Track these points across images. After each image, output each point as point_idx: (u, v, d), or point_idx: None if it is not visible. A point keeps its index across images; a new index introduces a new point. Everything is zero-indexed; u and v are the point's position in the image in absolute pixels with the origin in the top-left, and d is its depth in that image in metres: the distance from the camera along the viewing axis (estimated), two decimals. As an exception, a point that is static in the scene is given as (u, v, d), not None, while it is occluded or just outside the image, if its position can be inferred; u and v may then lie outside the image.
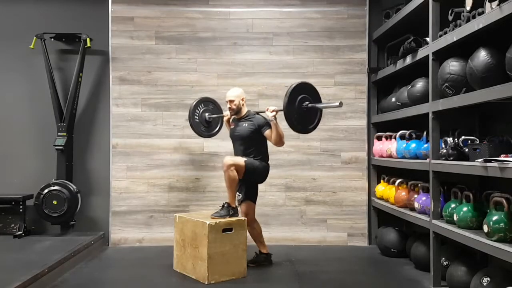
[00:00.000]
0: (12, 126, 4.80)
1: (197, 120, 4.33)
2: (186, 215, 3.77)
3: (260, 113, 3.94)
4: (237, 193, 3.82)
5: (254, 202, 3.90)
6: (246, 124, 3.86)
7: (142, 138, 4.80)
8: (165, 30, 4.83)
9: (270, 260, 3.97)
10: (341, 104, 3.41)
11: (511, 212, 2.61)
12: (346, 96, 4.81)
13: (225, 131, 4.32)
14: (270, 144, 3.90)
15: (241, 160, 3.73)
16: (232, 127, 3.99)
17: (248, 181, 3.83)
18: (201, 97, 4.41)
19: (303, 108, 3.55)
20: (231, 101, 3.90)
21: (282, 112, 3.53)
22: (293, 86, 3.53)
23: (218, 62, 4.83)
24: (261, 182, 3.96)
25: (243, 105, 3.93)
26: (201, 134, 4.39)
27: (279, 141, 3.74)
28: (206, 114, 4.35)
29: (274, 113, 3.66)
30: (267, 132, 3.78)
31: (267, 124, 3.79)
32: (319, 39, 4.84)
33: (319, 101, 3.67)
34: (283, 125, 3.68)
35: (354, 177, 4.82)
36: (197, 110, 4.33)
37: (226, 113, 4.09)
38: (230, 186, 3.70)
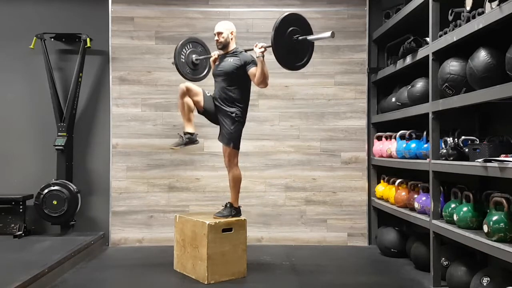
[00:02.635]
0: (12, 126, 4.80)
1: (183, 61, 3.93)
2: (186, 215, 3.78)
3: (248, 51, 3.70)
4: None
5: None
6: (232, 60, 3.61)
7: (142, 138, 4.80)
8: (165, 30, 4.83)
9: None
10: (333, 35, 3.19)
11: (511, 212, 2.61)
12: (346, 96, 4.81)
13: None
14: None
15: (230, 150, 3.57)
16: (217, 63, 3.73)
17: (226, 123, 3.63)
18: (189, 37, 4.11)
19: (293, 41, 3.30)
20: (219, 33, 3.65)
21: (271, 50, 3.30)
22: (283, 16, 3.27)
23: (218, 62, 4.82)
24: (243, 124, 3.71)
25: (231, 39, 3.68)
26: (185, 76, 3.99)
27: (263, 81, 3.49)
28: (193, 55, 3.98)
29: (262, 49, 3.42)
30: (252, 70, 3.53)
31: (253, 61, 3.55)
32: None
33: (310, 33, 3.43)
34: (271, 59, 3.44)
35: (354, 177, 4.82)
36: (183, 50, 3.98)
37: (214, 53, 3.82)
38: (234, 186, 3.67)
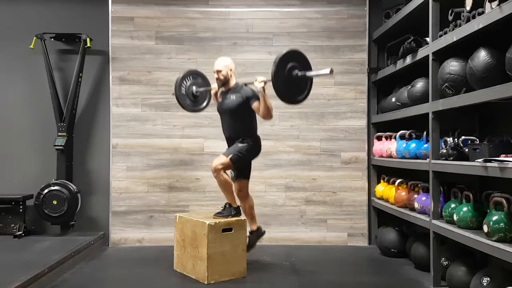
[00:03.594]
0: (12, 126, 4.80)
1: (184, 93, 4.05)
2: (186, 215, 3.77)
3: (249, 85, 3.76)
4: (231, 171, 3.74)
5: (247, 178, 3.79)
6: (234, 97, 3.67)
7: (142, 138, 4.80)
8: (165, 30, 4.83)
9: (262, 233, 3.89)
10: (331, 72, 3.24)
11: (511, 212, 2.61)
12: (346, 96, 4.81)
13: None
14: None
15: (226, 160, 3.61)
16: (220, 100, 3.80)
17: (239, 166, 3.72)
18: (189, 70, 4.16)
19: (293, 76, 3.35)
20: (218, 71, 3.70)
21: (271, 84, 3.35)
22: (282, 53, 3.31)
23: (218, 62, 4.82)
24: (255, 158, 3.80)
25: (231, 76, 3.74)
26: (186, 108, 4.08)
27: (267, 114, 3.57)
28: (194, 87, 4.05)
29: (262, 84, 3.48)
30: (255, 104, 3.59)
31: (255, 96, 3.60)
32: (319, 39, 4.84)
33: (310, 69, 3.47)
34: (274, 101, 3.55)
35: (354, 177, 4.82)
36: (184, 82, 4.04)
37: (214, 86, 3.89)
38: (225, 190, 3.69)
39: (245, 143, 3.68)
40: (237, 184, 3.75)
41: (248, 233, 3.83)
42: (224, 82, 3.74)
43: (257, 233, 3.90)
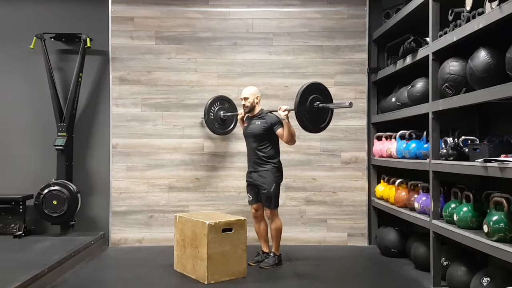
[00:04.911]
0: (12, 126, 4.80)
1: (212, 117, 4.47)
2: (186, 215, 3.77)
3: (273, 112, 3.96)
4: (248, 195, 3.96)
5: (277, 207, 3.96)
6: (259, 122, 3.89)
7: (142, 138, 4.80)
8: (165, 30, 4.82)
9: (280, 263, 3.97)
10: (351, 105, 3.49)
11: (511, 212, 2.61)
12: (346, 96, 4.80)
13: (238, 130, 4.34)
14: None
15: (273, 212, 3.90)
16: (246, 125, 4.03)
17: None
18: (217, 95, 4.55)
19: (314, 108, 3.62)
20: (245, 99, 3.94)
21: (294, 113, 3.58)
22: (305, 86, 3.60)
23: (218, 62, 4.83)
24: (282, 181, 4.00)
25: (257, 103, 3.96)
26: (215, 131, 4.53)
27: (291, 140, 3.81)
28: (221, 112, 4.50)
29: (286, 112, 3.72)
30: (279, 131, 3.83)
31: (279, 122, 3.83)
32: (319, 39, 4.84)
33: (330, 100, 3.72)
34: (295, 124, 3.70)
35: (354, 177, 4.82)
36: (212, 108, 4.46)
37: (240, 112, 4.14)
38: (276, 236, 3.91)
39: (271, 164, 3.88)
40: (273, 212, 3.93)
41: (260, 252, 4.00)
42: (250, 109, 3.95)
43: (278, 258, 3.94)
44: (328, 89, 3.78)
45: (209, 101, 4.46)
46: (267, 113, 3.96)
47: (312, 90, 3.63)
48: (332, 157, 4.82)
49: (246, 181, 4.00)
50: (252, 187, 3.93)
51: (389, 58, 4.48)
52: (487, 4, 2.66)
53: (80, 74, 4.68)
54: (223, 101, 4.57)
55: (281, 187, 4.75)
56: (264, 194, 3.85)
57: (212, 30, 4.85)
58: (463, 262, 3.12)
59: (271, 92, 4.78)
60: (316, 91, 3.65)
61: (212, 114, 4.48)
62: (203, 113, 4.51)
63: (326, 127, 3.80)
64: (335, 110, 4.74)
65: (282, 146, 4.78)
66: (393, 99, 4.26)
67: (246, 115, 4.04)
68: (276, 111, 3.85)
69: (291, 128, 3.76)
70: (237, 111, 4.42)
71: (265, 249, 4.00)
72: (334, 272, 3.80)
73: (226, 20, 4.86)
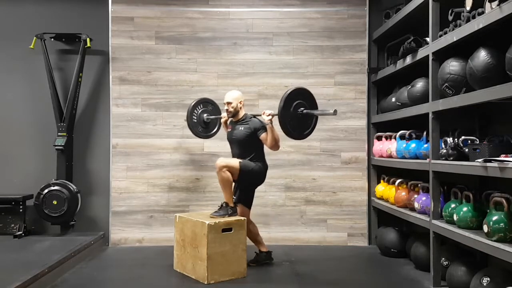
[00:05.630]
0: (12, 126, 4.80)
1: (195, 121, 4.36)
2: (186, 215, 3.77)
3: (257, 116, 3.93)
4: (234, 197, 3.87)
5: (247, 206, 3.88)
6: (242, 128, 3.86)
7: (142, 138, 4.80)
8: (165, 30, 4.82)
9: (271, 258, 3.98)
10: (335, 112, 3.43)
11: (511, 212, 2.61)
12: (346, 96, 4.81)
13: (222, 132, 4.33)
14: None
15: (235, 162, 3.74)
16: (229, 130, 4.01)
17: (243, 184, 3.84)
18: (200, 98, 4.43)
19: (298, 114, 3.57)
20: (228, 103, 3.90)
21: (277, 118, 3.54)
22: (289, 91, 3.56)
23: (218, 62, 4.83)
24: (259, 184, 3.95)
25: (240, 108, 3.93)
26: (198, 135, 4.41)
27: (275, 145, 3.76)
28: (205, 115, 4.39)
29: (270, 117, 3.66)
30: (262, 136, 3.79)
31: (263, 127, 3.80)
32: (319, 39, 4.84)
33: (315, 107, 3.68)
34: (279, 129, 3.66)
35: (354, 177, 4.82)
36: (195, 111, 4.35)
37: (224, 115, 4.11)
38: (224, 187, 3.73)
39: (255, 162, 3.82)
40: (239, 209, 3.83)
41: (257, 252, 3.96)
42: (233, 114, 3.93)
43: (267, 255, 3.95)
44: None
45: (192, 104, 4.35)
46: (251, 118, 3.92)
47: (296, 96, 3.58)
48: (332, 157, 4.82)
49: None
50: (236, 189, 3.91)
51: (389, 58, 4.48)
52: (487, 4, 2.66)
53: (80, 74, 4.68)
54: (207, 104, 4.44)
55: (280, 187, 4.81)
56: (237, 187, 3.85)
57: (212, 30, 4.85)
58: (463, 262, 3.12)
59: (271, 92, 4.78)
60: (301, 97, 3.60)
61: (195, 117, 4.36)
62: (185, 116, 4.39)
63: (309, 134, 3.75)
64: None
65: (283, 146, 4.80)
66: (393, 99, 4.26)
67: (230, 119, 4.02)
68: (260, 115, 3.80)
69: (275, 133, 3.71)
70: (220, 114, 4.34)
71: (262, 249, 3.97)
72: (334, 272, 3.80)
73: (226, 20, 4.86)
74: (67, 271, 3.67)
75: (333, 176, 4.81)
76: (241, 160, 3.76)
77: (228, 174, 3.67)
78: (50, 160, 4.62)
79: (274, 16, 4.86)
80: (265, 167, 3.91)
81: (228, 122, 4.07)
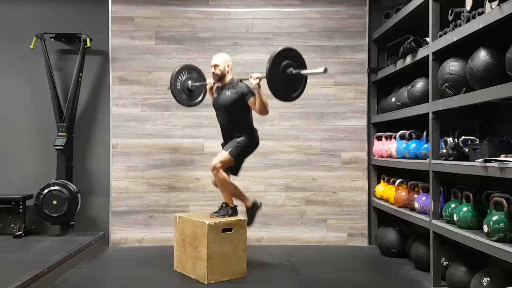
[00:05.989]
0: (12, 126, 4.80)
1: (179, 88, 4.02)
2: (186, 215, 3.77)
3: (244, 81, 3.76)
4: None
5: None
6: (229, 92, 3.67)
7: (142, 138, 4.80)
8: (165, 30, 4.83)
9: (258, 206, 3.86)
10: (325, 71, 3.28)
11: (511, 212, 2.61)
12: (346, 96, 4.81)
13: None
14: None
15: (226, 156, 3.60)
16: (215, 96, 3.83)
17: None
18: (184, 64, 4.18)
19: (287, 74, 3.39)
20: (215, 66, 3.71)
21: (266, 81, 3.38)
22: (277, 51, 3.36)
23: (218, 62, 4.82)
24: (253, 151, 3.80)
25: (228, 71, 3.74)
26: (182, 102, 4.10)
27: (263, 110, 3.59)
28: (189, 82, 4.07)
29: (257, 80, 3.48)
30: (251, 100, 3.61)
31: (250, 92, 3.62)
32: (319, 39, 4.84)
33: (304, 67, 3.51)
34: (267, 93, 3.52)
35: (354, 177, 4.82)
36: (179, 77, 4.05)
37: (209, 81, 3.92)
38: (222, 188, 3.68)
39: (243, 137, 3.68)
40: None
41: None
42: (220, 77, 3.74)
43: (254, 209, 3.83)
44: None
45: (176, 70, 4.01)
46: (237, 82, 3.72)
47: (285, 56, 3.38)
48: (332, 157, 4.82)
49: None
50: None
51: (389, 58, 4.48)
52: (487, 4, 2.66)
53: (80, 74, 4.68)
54: (191, 70, 4.11)
55: (281, 187, 4.81)
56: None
57: (212, 30, 4.85)
58: (463, 262, 3.12)
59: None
60: (290, 57, 3.40)
61: (179, 84, 4.01)
62: (169, 83, 4.05)
63: (298, 96, 3.57)
64: (334, 110, 4.76)
65: (283, 146, 4.82)
66: (393, 99, 4.26)
67: (216, 85, 3.83)
68: (247, 79, 3.60)
69: (263, 97, 3.53)
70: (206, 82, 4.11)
71: (248, 203, 3.85)
72: (334, 272, 3.80)
73: (226, 20, 4.86)
74: (67, 271, 3.67)
75: (333, 176, 4.81)
76: (230, 149, 3.62)
77: (225, 175, 3.62)
78: (50, 160, 4.62)
79: (274, 16, 4.86)
80: (254, 136, 3.75)
81: (214, 88, 3.88)
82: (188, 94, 4.09)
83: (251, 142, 3.74)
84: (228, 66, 3.75)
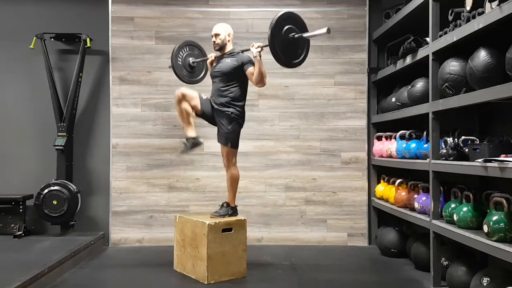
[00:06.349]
0: (12, 126, 4.80)
1: (180, 63, 4.01)
2: (186, 215, 3.78)
3: (245, 52, 3.71)
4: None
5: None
6: (229, 60, 3.65)
7: (142, 138, 4.80)
8: (165, 30, 4.83)
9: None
10: (328, 31, 3.24)
11: (511, 212, 2.61)
12: (346, 96, 4.81)
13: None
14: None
15: (227, 150, 3.61)
16: (214, 64, 3.79)
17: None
18: (186, 40, 4.18)
19: (289, 38, 3.36)
20: (216, 35, 3.70)
21: (268, 50, 3.35)
22: (280, 14, 3.34)
23: (218, 62, 4.82)
24: (242, 126, 3.74)
25: (229, 41, 3.73)
26: (182, 79, 4.07)
27: (260, 80, 3.55)
28: (190, 58, 4.06)
29: (259, 49, 3.47)
30: (249, 69, 3.58)
31: (250, 61, 3.60)
32: (319, 39, 4.81)
33: (306, 31, 3.47)
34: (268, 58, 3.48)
35: (354, 177, 4.82)
36: (180, 53, 4.05)
37: (210, 55, 3.89)
38: (232, 185, 3.68)
39: (234, 107, 3.63)
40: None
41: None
42: (221, 47, 3.72)
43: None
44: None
45: (177, 46, 4.01)
46: (238, 52, 3.69)
47: (287, 20, 3.36)
48: (332, 157, 4.82)
49: None
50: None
51: (389, 58, 4.48)
52: (487, 4, 2.66)
53: (80, 74, 4.68)
54: (193, 47, 4.11)
55: (281, 187, 4.80)
56: (222, 131, 3.64)
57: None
58: (463, 262, 3.12)
59: (271, 92, 4.78)
60: (292, 22, 3.38)
61: (180, 60, 4.00)
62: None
63: (301, 63, 3.54)
64: (334, 110, 4.76)
65: (283, 146, 4.82)
66: (393, 99, 4.26)
67: (215, 54, 3.80)
68: (249, 49, 3.58)
69: (262, 67, 3.49)
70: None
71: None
72: (334, 272, 3.80)
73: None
74: (67, 271, 3.67)
75: (333, 176, 4.81)
76: (229, 143, 3.61)
77: (238, 171, 3.67)
78: (50, 160, 4.62)
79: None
80: (243, 110, 3.70)
81: (214, 58, 3.85)
82: (190, 70, 4.08)
83: (242, 114, 3.69)
84: (229, 35, 3.73)
